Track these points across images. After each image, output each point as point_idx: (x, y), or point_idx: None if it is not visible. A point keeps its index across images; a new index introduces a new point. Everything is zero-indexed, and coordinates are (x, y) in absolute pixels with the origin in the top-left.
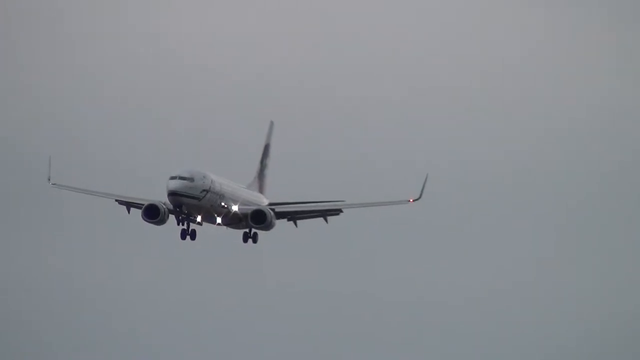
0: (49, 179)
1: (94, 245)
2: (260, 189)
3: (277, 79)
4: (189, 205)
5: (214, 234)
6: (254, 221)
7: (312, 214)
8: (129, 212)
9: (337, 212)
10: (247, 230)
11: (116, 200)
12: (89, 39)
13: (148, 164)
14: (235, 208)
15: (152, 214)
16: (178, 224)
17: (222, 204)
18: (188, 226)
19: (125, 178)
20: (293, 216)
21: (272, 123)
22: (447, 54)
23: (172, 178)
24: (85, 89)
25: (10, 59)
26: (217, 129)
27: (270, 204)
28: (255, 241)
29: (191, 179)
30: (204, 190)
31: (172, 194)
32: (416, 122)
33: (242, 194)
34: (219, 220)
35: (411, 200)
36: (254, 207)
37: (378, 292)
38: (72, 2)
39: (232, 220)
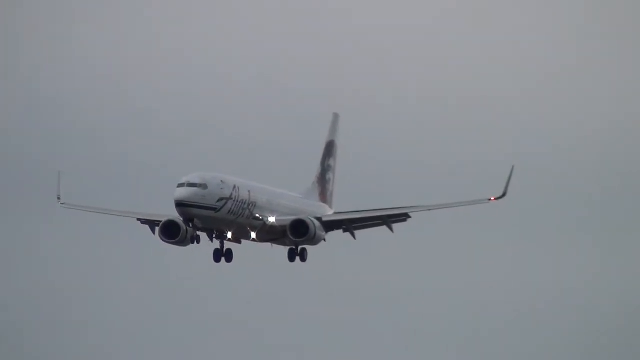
0: (59, 198)
1: (113, 272)
2: (322, 196)
3: (338, 73)
4: (203, 219)
5: (255, 253)
6: (294, 234)
7: (372, 222)
8: (154, 233)
9: (403, 217)
10: (293, 246)
11: (138, 220)
12: (103, 45)
13: (173, 177)
14: (272, 219)
15: (172, 232)
16: (211, 241)
17: (255, 215)
18: (222, 245)
19: (146, 194)
20: (349, 226)
21: (336, 115)
22: (505, 52)
23: (180, 185)
24: (97, 97)
25: (15, 66)
26: (261, 130)
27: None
28: (303, 259)
29: (203, 186)
30: (222, 199)
31: (180, 205)
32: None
33: (285, 202)
34: (253, 235)
35: (492, 198)
36: (293, 218)
37: (466, 324)
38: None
39: (271, 235)
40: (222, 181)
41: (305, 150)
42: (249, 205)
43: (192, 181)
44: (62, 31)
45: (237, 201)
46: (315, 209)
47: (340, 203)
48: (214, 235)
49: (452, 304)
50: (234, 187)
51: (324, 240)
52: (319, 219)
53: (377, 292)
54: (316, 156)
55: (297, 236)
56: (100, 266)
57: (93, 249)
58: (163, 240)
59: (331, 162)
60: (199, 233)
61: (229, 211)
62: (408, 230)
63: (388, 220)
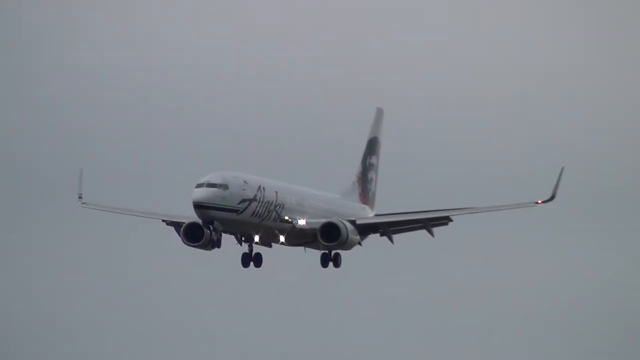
0: (80, 197)
1: (133, 277)
2: (363, 197)
3: (381, 67)
4: (223, 221)
5: (286, 258)
6: (325, 238)
7: (410, 226)
8: (179, 235)
9: (444, 221)
10: (326, 251)
11: (163, 221)
12: (125, 41)
13: (198, 177)
14: (302, 222)
15: (195, 235)
16: (240, 244)
17: (284, 217)
18: (251, 249)
19: (169, 194)
20: (386, 229)
21: (379, 111)
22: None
23: (199, 186)
24: (118, 94)
25: (32, 64)
26: (298, 127)
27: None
28: (337, 264)
29: (224, 186)
30: (244, 201)
31: (198, 207)
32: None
33: (317, 203)
34: (282, 239)
35: (540, 201)
36: (324, 220)
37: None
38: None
39: (301, 239)
40: (245, 181)
41: (344, 148)
42: (276, 207)
43: (212, 181)
44: (81, 27)
45: (262, 203)
46: (352, 211)
47: (382, 204)
48: (242, 239)
49: (495, 312)
50: (259, 187)
51: (359, 244)
52: (352, 221)
53: (413, 300)
54: (357, 154)
55: (327, 240)
56: (119, 270)
57: (114, 251)
58: (185, 243)
59: (373, 160)
60: (226, 236)
61: (253, 213)
62: (449, 233)
63: (428, 223)
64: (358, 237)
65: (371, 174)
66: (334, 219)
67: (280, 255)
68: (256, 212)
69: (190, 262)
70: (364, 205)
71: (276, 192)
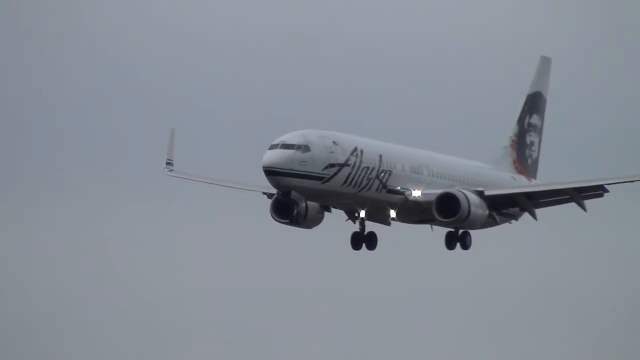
0: (168, 164)
1: (226, 259)
2: (520, 164)
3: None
4: (305, 191)
5: (408, 238)
6: (441, 212)
7: (556, 198)
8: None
9: (598, 191)
10: (452, 229)
11: (264, 194)
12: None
13: None
14: (416, 193)
15: (283, 210)
16: (353, 221)
17: (392, 186)
18: (363, 226)
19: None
20: (525, 203)
21: (545, 60)
22: None
23: (272, 147)
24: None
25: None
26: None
27: None
28: (465, 246)
29: (304, 147)
30: (332, 165)
31: (269, 173)
32: None
33: (443, 170)
34: (393, 214)
35: None
36: (440, 191)
37: None
38: None
39: (418, 215)
40: (334, 142)
41: (494, 107)
42: (379, 173)
43: (288, 141)
44: None
45: (360, 168)
46: (496, 181)
47: (546, 174)
48: (355, 215)
49: None
50: (355, 150)
51: (510, 223)
52: (479, 192)
53: (553, 287)
54: (511, 113)
55: (444, 215)
56: (207, 254)
57: (202, 230)
58: (275, 219)
59: (535, 120)
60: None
61: (346, 181)
62: (604, 206)
63: (578, 195)
64: (486, 211)
65: (531, 137)
66: (453, 189)
67: (401, 235)
68: (350, 179)
69: (289, 242)
70: (516, 175)
71: (380, 156)
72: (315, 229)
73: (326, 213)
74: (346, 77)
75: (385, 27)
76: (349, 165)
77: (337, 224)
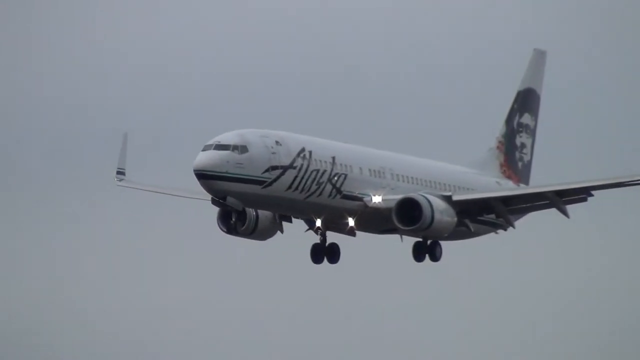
0: (121, 173)
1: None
2: (508, 167)
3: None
4: (242, 197)
5: (374, 249)
6: (401, 219)
7: (535, 204)
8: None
9: (581, 195)
10: (420, 239)
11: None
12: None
13: None
14: (377, 199)
15: (227, 220)
16: (315, 232)
17: (347, 191)
18: (324, 237)
19: None
20: (499, 209)
21: (539, 53)
22: None
23: (206, 148)
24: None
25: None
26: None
27: None
28: (435, 257)
29: (241, 148)
30: (274, 168)
31: (200, 176)
32: None
33: (410, 174)
34: (351, 222)
35: None
36: (401, 196)
37: None
38: None
39: (379, 223)
40: (277, 142)
41: (480, 105)
42: (332, 177)
43: (223, 142)
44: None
45: (307, 171)
46: (476, 186)
47: (541, 179)
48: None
49: None
50: (302, 151)
51: (496, 233)
52: (447, 197)
53: (525, 304)
54: (499, 112)
55: (405, 223)
56: (149, 265)
57: (150, 241)
58: (222, 230)
59: (527, 119)
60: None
61: (291, 186)
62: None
63: (559, 200)
64: (454, 219)
65: (521, 139)
66: (415, 194)
67: (366, 246)
68: (296, 184)
69: (242, 255)
70: (502, 180)
71: (333, 158)
72: (271, 240)
73: (286, 224)
74: (321, 79)
75: (362, 25)
76: (294, 168)
77: (297, 235)
